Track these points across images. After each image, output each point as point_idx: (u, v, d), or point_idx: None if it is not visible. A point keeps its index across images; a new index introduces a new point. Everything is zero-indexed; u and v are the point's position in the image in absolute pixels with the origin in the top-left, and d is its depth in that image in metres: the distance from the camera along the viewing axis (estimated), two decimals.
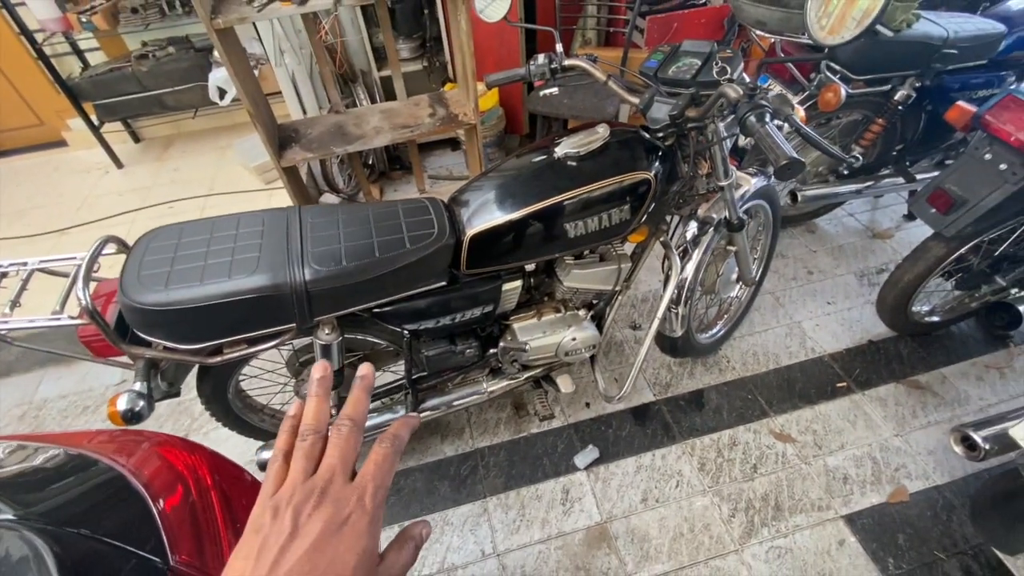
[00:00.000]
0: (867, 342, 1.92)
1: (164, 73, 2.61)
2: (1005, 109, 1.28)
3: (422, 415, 1.46)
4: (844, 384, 1.80)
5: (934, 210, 1.44)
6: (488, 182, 1.20)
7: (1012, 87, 1.32)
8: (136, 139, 3.09)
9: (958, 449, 1.30)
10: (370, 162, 2.83)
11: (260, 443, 1.51)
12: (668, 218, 1.41)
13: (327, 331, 1.16)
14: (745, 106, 0.92)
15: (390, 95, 2.96)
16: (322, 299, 1.07)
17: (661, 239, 1.41)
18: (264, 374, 1.47)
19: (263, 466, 1.40)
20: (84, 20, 2.40)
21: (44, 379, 2.04)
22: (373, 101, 2.68)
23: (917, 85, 1.82)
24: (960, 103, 1.46)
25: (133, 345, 1.07)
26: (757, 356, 1.91)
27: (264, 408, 1.56)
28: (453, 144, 3.11)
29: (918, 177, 2.06)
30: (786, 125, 0.99)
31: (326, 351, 1.20)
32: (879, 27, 1.66)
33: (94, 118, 2.72)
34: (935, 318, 1.85)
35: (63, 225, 2.49)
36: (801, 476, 1.57)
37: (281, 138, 2.07)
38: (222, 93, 2.69)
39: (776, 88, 0.98)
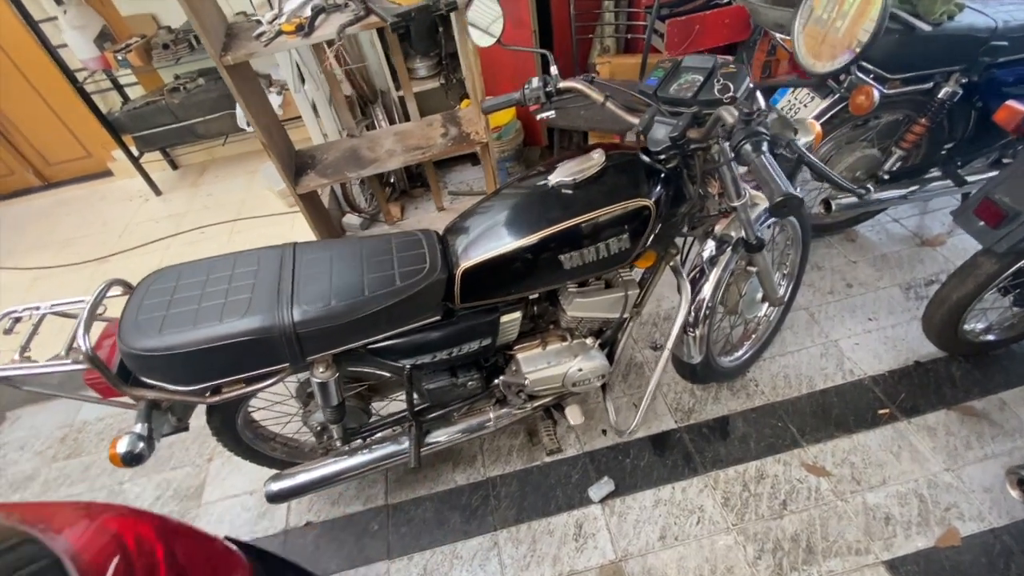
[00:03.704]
0: (913, 363, 1.76)
1: (195, 104, 2.73)
2: None
3: (423, 449, 1.42)
4: (887, 411, 1.65)
5: (982, 223, 1.29)
6: (482, 213, 1.17)
7: None
8: (174, 166, 3.24)
9: (1015, 493, 1.16)
10: (391, 181, 2.85)
11: (273, 471, 1.53)
12: (679, 241, 1.34)
13: (322, 369, 1.15)
14: (741, 132, 0.84)
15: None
16: (312, 339, 1.06)
17: (671, 264, 1.33)
18: (273, 405, 1.49)
19: (271, 498, 1.40)
20: (120, 58, 2.53)
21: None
22: (392, 121, 2.70)
23: (963, 81, 1.66)
24: (1010, 103, 1.31)
25: (134, 387, 1.09)
26: (788, 379, 1.78)
27: (276, 437, 1.58)
28: (473, 159, 3.10)
29: (969, 179, 1.88)
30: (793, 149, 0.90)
31: (323, 388, 1.19)
32: (916, 21, 1.52)
33: (134, 149, 2.87)
34: (991, 337, 1.67)
35: (105, 253, 2.63)
36: (836, 514, 1.44)
37: (298, 164, 2.11)
38: (249, 120, 2.78)
39: (775, 112, 0.89)
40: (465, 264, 1.10)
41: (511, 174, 2.78)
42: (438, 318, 1.16)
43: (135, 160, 2.87)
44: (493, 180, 2.51)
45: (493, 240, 1.09)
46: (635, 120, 1.14)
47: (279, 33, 1.62)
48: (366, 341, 1.13)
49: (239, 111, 2.76)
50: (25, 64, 2.76)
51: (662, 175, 1.11)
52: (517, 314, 1.24)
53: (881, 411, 1.65)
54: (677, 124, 1.03)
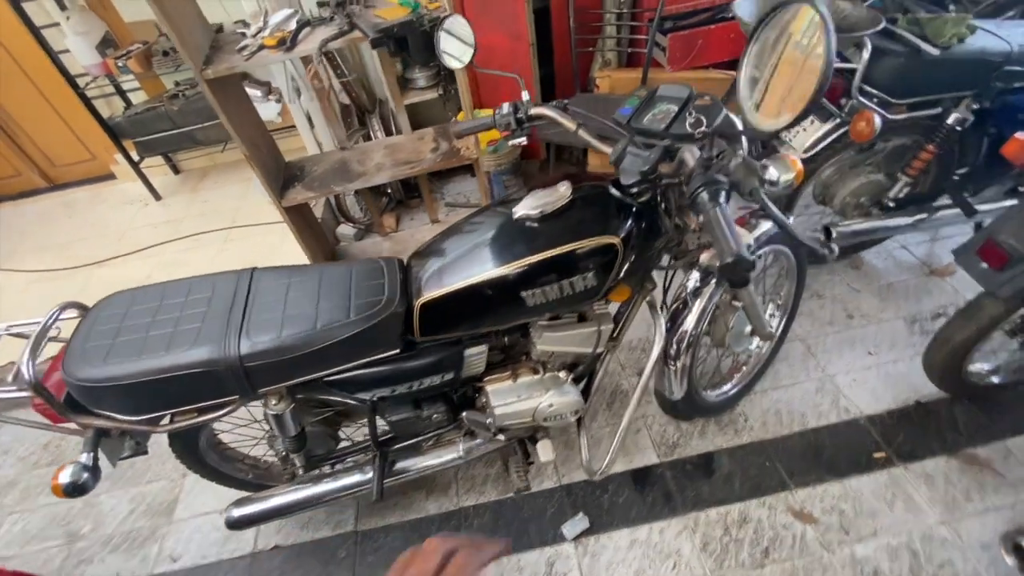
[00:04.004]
0: (914, 403, 1.66)
1: (194, 111, 2.73)
2: None
3: (387, 480, 1.37)
4: (882, 455, 1.56)
5: (985, 265, 1.21)
6: (445, 243, 1.12)
7: None
8: (176, 171, 3.26)
9: (1009, 560, 1.08)
10: (387, 191, 2.82)
11: (243, 493, 1.50)
12: (659, 274, 1.27)
13: (275, 401, 1.11)
14: (698, 179, 0.78)
15: (415, 123, 2.95)
16: (261, 373, 1.02)
17: (647, 299, 1.26)
18: (239, 427, 1.45)
19: (231, 524, 1.37)
20: (120, 65, 2.54)
21: None
22: (389, 132, 2.67)
23: (975, 107, 1.56)
24: (1020, 135, 1.22)
25: (81, 415, 1.06)
26: (780, 415, 1.70)
27: (244, 459, 1.55)
28: (472, 170, 3.05)
29: (982, 208, 1.78)
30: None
31: (278, 420, 1.15)
32: (922, 44, 1.44)
33: (134, 154, 2.88)
34: (998, 379, 1.57)
35: (101, 258, 2.64)
36: (822, 566, 1.36)
37: (287, 176, 2.08)
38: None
39: (740, 156, 0.82)
40: (424, 297, 1.05)
41: (508, 187, 2.73)
42: (397, 351, 1.11)
43: (135, 165, 2.88)
44: (487, 195, 2.48)
45: (453, 273, 1.05)
46: (608, 150, 1.08)
47: (261, 47, 1.59)
48: (320, 374, 1.08)
49: None
50: (30, 67, 2.79)
51: (633, 210, 1.05)
52: (483, 347, 1.19)
53: (876, 455, 1.56)
54: (648, 157, 0.97)
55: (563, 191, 1.02)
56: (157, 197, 3.03)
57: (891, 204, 1.82)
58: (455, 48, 1.17)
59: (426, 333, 1.10)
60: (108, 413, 1.05)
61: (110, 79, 2.80)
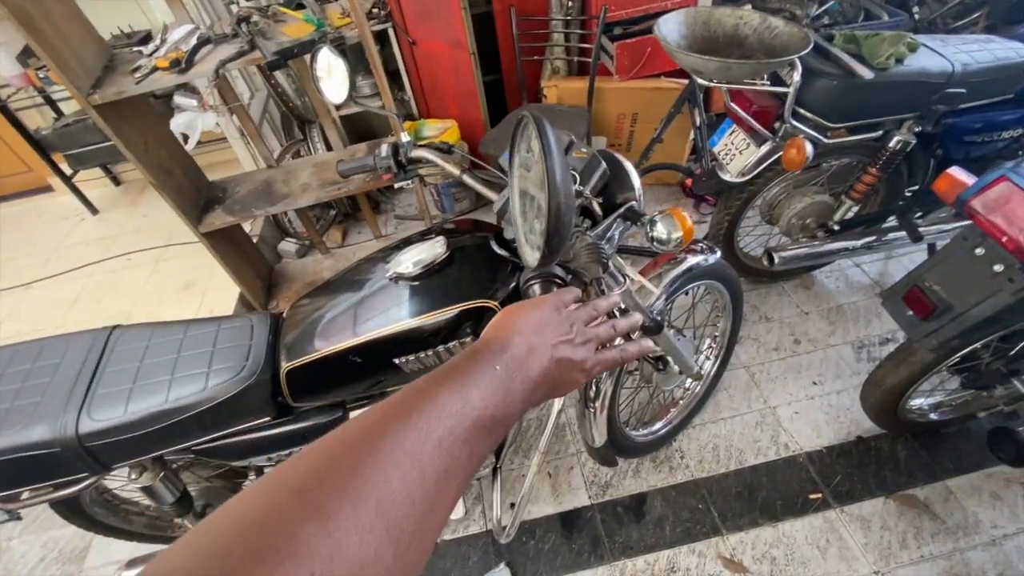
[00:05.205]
0: (855, 439, 1.59)
1: None
2: (998, 196, 0.96)
3: None
4: (818, 495, 1.49)
5: (911, 313, 1.12)
6: (318, 301, 1.03)
7: (1008, 166, 0.99)
8: (117, 183, 3.12)
9: None
10: (331, 204, 2.71)
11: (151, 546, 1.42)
12: None
13: (136, 475, 1.02)
14: (529, 271, 0.68)
15: (362, 134, 2.84)
16: (107, 451, 0.92)
17: None
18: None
19: None
20: (42, 76, 2.40)
21: None
22: (329, 146, 2.55)
23: (917, 129, 1.48)
24: (952, 172, 1.12)
25: None
26: (717, 451, 1.62)
27: (145, 510, 1.45)
28: (423, 178, 2.94)
29: (931, 230, 1.70)
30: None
31: (148, 492, 1.06)
32: (856, 66, 1.34)
33: (66, 167, 2.74)
34: (937, 416, 1.50)
35: (30, 279, 2.51)
36: None
37: (208, 198, 1.97)
38: (185, 138, 2.64)
39: (588, 236, 0.72)
40: (289, 364, 0.96)
41: (458, 200, 2.62)
42: (270, 418, 1.02)
43: (67, 179, 2.75)
44: (437, 207, 2.41)
45: (320, 338, 0.95)
46: (496, 197, 0.98)
47: (154, 69, 1.48)
48: (182, 445, 0.99)
49: (173, 129, 2.63)
50: None
51: (520, 266, 0.96)
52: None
53: (813, 495, 1.49)
54: None
55: (439, 248, 0.93)
56: (94, 211, 2.89)
57: (836, 227, 1.74)
58: (333, 81, 1.06)
59: (298, 399, 1.00)
60: None
61: (38, 89, 2.65)
